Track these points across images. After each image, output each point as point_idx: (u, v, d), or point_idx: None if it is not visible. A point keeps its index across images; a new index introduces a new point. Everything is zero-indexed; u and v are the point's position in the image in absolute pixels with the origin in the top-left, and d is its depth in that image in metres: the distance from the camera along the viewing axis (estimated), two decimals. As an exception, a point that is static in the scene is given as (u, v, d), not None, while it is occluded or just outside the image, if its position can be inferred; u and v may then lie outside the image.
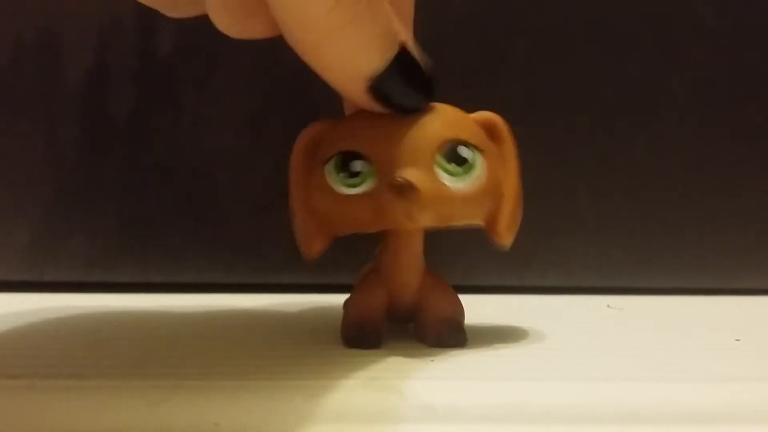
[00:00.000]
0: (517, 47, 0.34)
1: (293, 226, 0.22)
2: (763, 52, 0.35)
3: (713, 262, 0.35)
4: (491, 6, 0.34)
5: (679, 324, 0.28)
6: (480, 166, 0.20)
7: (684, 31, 0.35)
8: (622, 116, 0.35)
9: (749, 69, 0.35)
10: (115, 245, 0.34)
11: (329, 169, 0.21)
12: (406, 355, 0.21)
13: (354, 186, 0.20)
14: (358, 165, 0.20)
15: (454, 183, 0.20)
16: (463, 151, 0.20)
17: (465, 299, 0.27)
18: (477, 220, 0.21)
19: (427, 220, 0.20)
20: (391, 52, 0.19)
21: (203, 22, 0.20)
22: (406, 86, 0.20)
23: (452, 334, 0.22)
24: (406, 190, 0.19)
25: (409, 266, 0.22)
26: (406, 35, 0.20)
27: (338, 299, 0.24)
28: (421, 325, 0.22)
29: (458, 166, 0.20)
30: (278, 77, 0.34)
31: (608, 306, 0.31)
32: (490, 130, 0.22)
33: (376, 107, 0.20)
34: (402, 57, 0.20)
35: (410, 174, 0.19)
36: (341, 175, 0.20)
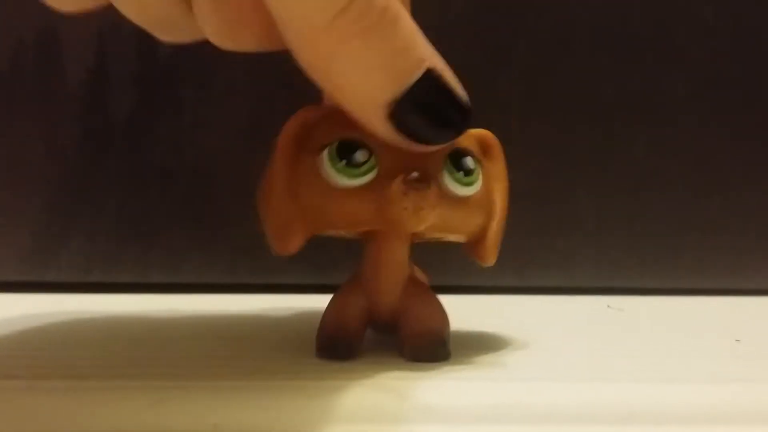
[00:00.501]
0: (518, 48, 0.34)
1: (265, 219, 0.20)
2: (763, 52, 0.35)
3: (713, 262, 0.35)
4: (491, 6, 0.34)
5: (679, 324, 0.28)
6: (479, 180, 0.20)
7: (684, 31, 0.35)
8: (622, 116, 0.35)
9: (749, 69, 0.35)
10: (115, 245, 0.34)
11: (325, 159, 0.19)
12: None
13: (355, 177, 0.19)
14: (362, 155, 0.19)
15: (459, 189, 0.19)
16: (469, 162, 0.20)
17: (464, 299, 0.27)
18: (465, 235, 0.21)
19: (430, 222, 0.19)
20: (411, 76, 0.17)
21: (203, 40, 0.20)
22: (430, 117, 0.18)
23: (431, 349, 0.20)
24: (421, 185, 0.18)
25: (390, 274, 0.20)
26: (436, 59, 0.18)
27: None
28: (400, 337, 0.21)
29: (466, 175, 0.19)
30: (278, 78, 0.34)
31: (608, 306, 0.31)
32: (484, 147, 0.21)
33: (399, 140, 0.18)
34: (427, 82, 0.18)
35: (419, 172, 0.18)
36: (342, 162, 0.19)
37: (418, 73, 0.17)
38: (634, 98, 0.35)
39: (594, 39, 0.34)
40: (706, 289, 0.34)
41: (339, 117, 0.19)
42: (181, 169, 0.34)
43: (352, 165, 0.19)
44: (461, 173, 0.19)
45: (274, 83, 0.34)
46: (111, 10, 0.19)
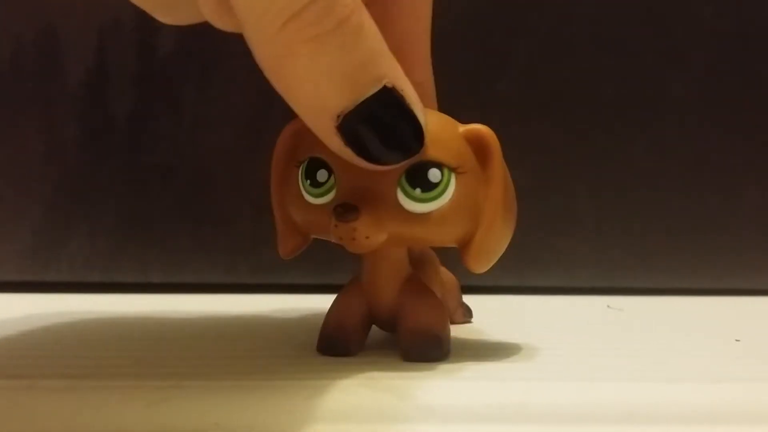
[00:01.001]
0: (518, 47, 0.34)
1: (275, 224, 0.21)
2: (763, 52, 0.35)
3: (713, 262, 0.35)
4: (492, 6, 0.34)
5: (679, 324, 0.28)
6: (452, 188, 0.19)
7: (684, 31, 0.35)
8: (622, 116, 0.35)
9: (749, 69, 0.35)
10: (115, 245, 0.34)
11: (300, 175, 0.20)
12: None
13: (317, 196, 0.19)
14: (322, 175, 0.19)
15: (416, 207, 0.19)
16: (433, 175, 0.19)
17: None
18: (448, 243, 0.20)
19: (376, 242, 0.18)
20: (366, 91, 0.17)
21: (203, 22, 0.20)
22: (381, 135, 0.18)
23: (426, 348, 0.20)
24: (348, 216, 0.18)
25: (386, 274, 0.20)
26: (400, 80, 0.18)
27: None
28: (398, 335, 0.21)
29: (425, 191, 0.19)
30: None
31: (608, 306, 0.31)
32: (478, 145, 0.19)
33: (350, 156, 0.18)
34: (383, 99, 0.17)
35: (364, 196, 0.18)
36: (307, 182, 0.19)
37: (374, 89, 0.17)
38: (634, 98, 0.35)
39: (594, 39, 0.34)
40: (706, 289, 0.34)
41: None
42: (181, 168, 0.34)
43: (314, 185, 0.19)
44: (418, 190, 0.19)
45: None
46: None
